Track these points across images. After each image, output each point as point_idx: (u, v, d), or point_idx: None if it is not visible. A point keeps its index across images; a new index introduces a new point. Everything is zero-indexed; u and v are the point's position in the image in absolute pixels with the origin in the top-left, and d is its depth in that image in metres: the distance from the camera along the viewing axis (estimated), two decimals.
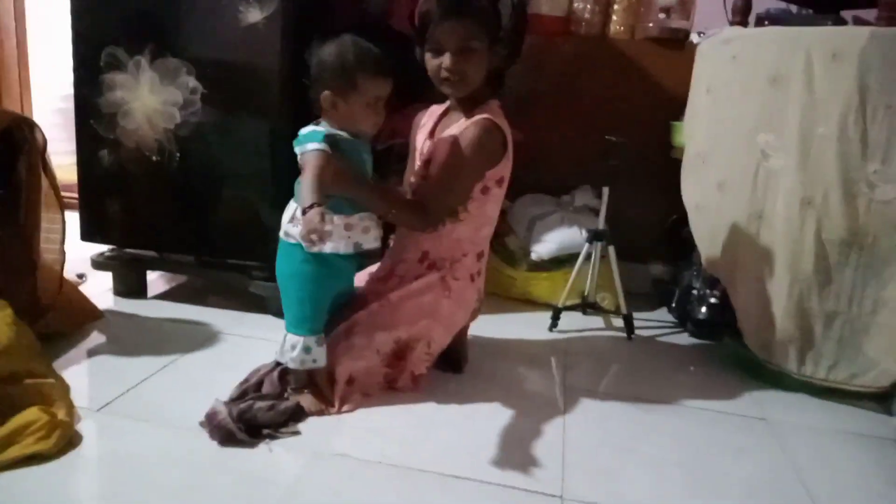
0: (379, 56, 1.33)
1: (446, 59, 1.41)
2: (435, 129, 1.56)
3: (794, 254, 1.57)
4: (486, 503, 1.13)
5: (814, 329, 1.58)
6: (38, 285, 1.58)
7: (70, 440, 1.19)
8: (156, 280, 2.08)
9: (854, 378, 1.56)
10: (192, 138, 1.77)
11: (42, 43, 2.92)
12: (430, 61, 1.44)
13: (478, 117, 1.45)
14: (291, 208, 1.37)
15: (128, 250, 1.96)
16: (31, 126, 1.55)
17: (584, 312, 2.10)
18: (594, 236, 1.96)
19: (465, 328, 1.65)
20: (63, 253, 1.65)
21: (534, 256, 2.16)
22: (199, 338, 1.69)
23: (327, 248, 1.32)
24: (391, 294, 1.48)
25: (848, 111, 1.47)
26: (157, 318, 1.82)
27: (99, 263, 1.96)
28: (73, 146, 1.88)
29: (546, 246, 2.14)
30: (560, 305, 1.97)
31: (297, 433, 1.29)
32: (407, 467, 1.21)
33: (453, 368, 1.61)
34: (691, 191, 1.90)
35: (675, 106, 2.09)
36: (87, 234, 1.93)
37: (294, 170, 1.33)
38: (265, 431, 1.27)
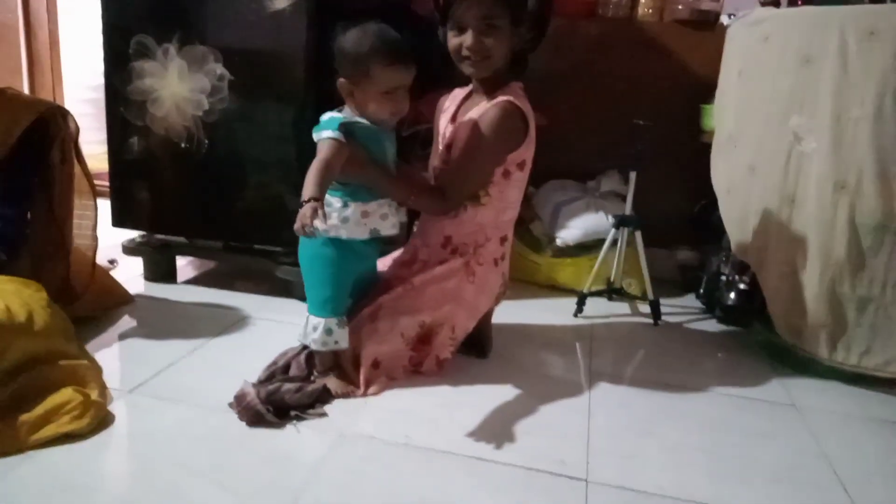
0: (396, 44, 1.30)
1: (468, 38, 1.40)
2: (457, 112, 1.56)
3: (826, 238, 1.54)
4: (510, 486, 1.14)
5: (846, 315, 1.55)
6: (70, 270, 1.61)
7: (103, 420, 1.22)
8: (185, 266, 2.11)
9: (888, 365, 1.53)
10: (219, 125, 1.79)
11: (73, 33, 2.96)
12: (452, 40, 1.43)
13: (499, 99, 1.43)
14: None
15: (157, 236, 1.99)
16: (63, 114, 1.57)
17: (610, 298, 2.08)
18: (620, 222, 1.94)
19: (490, 313, 1.65)
20: (95, 239, 1.68)
21: (559, 242, 2.14)
22: (227, 322, 1.72)
23: (343, 233, 1.33)
24: (415, 278, 1.48)
25: (885, 91, 1.43)
26: (187, 302, 1.85)
27: (130, 249, 2.00)
28: (104, 135, 1.91)
29: (571, 232, 2.13)
30: (585, 291, 1.95)
31: (324, 415, 1.31)
32: (431, 449, 1.22)
33: (478, 353, 1.61)
34: (721, 174, 1.87)
35: (704, 89, 2.05)
36: (118, 221, 1.96)
37: None
38: (293, 413, 1.29)
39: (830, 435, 1.38)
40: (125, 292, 1.80)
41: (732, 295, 1.92)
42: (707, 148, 1.94)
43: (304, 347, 1.46)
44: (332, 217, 1.31)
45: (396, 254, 1.62)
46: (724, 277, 1.96)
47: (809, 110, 1.54)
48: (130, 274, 1.97)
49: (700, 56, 2.20)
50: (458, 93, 1.60)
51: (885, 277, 1.50)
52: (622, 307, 2.06)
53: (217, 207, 1.87)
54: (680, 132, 2.17)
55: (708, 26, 2.22)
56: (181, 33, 1.76)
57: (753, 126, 1.70)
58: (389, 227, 1.40)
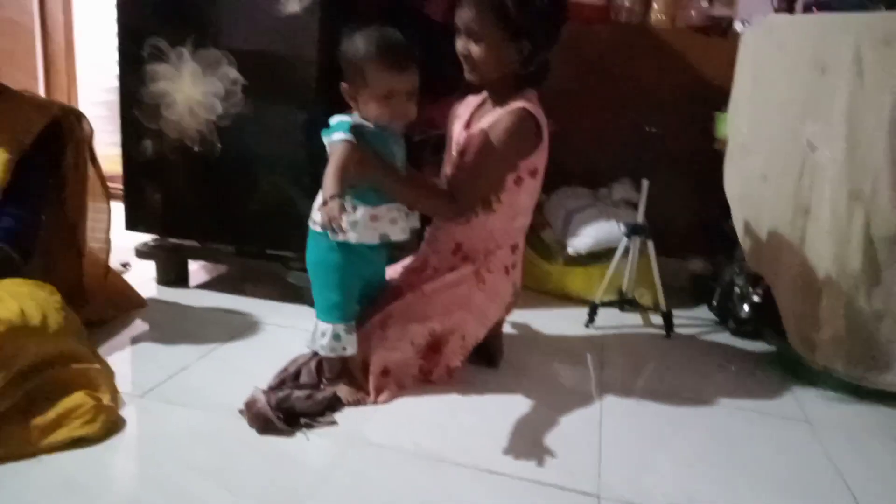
0: (393, 49, 1.28)
1: (459, 43, 1.43)
2: (471, 119, 1.55)
3: (840, 250, 1.52)
4: (520, 499, 1.13)
5: (861, 329, 1.53)
6: (83, 273, 1.62)
7: (114, 424, 1.22)
8: (198, 270, 2.12)
9: None
10: (232, 129, 1.80)
11: (88, 36, 2.98)
12: (456, 44, 1.45)
13: (512, 106, 1.43)
14: (320, 197, 1.38)
15: (170, 240, 2.00)
16: (78, 116, 1.58)
17: (622, 309, 2.06)
18: (632, 230, 1.93)
19: (501, 322, 1.64)
20: (108, 242, 1.69)
21: (570, 250, 2.13)
22: (238, 327, 1.72)
23: (352, 238, 1.33)
24: (425, 286, 1.48)
25: None
26: (199, 306, 1.86)
27: (143, 252, 2.00)
28: (118, 137, 1.92)
29: (583, 240, 2.11)
30: (597, 301, 1.94)
31: (333, 423, 1.30)
32: (440, 459, 1.21)
33: (488, 362, 1.60)
34: (734, 182, 1.85)
35: (717, 96, 2.04)
36: (132, 224, 1.97)
37: None
38: (303, 420, 1.29)
39: (843, 450, 1.36)
40: (138, 296, 1.81)
41: (746, 307, 1.90)
42: (721, 156, 1.93)
43: (315, 354, 1.46)
44: (342, 221, 1.29)
45: (407, 261, 1.62)
46: (737, 289, 1.94)
47: (824, 118, 1.52)
48: (143, 277, 1.98)
49: (713, 63, 2.19)
50: (472, 99, 1.60)
51: None
52: (634, 318, 2.05)
53: (229, 211, 1.87)
54: (692, 140, 2.16)
55: (721, 33, 2.21)
56: (195, 37, 1.77)
57: (767, 134, 1.68)
58: (399, 232, 1.39)
